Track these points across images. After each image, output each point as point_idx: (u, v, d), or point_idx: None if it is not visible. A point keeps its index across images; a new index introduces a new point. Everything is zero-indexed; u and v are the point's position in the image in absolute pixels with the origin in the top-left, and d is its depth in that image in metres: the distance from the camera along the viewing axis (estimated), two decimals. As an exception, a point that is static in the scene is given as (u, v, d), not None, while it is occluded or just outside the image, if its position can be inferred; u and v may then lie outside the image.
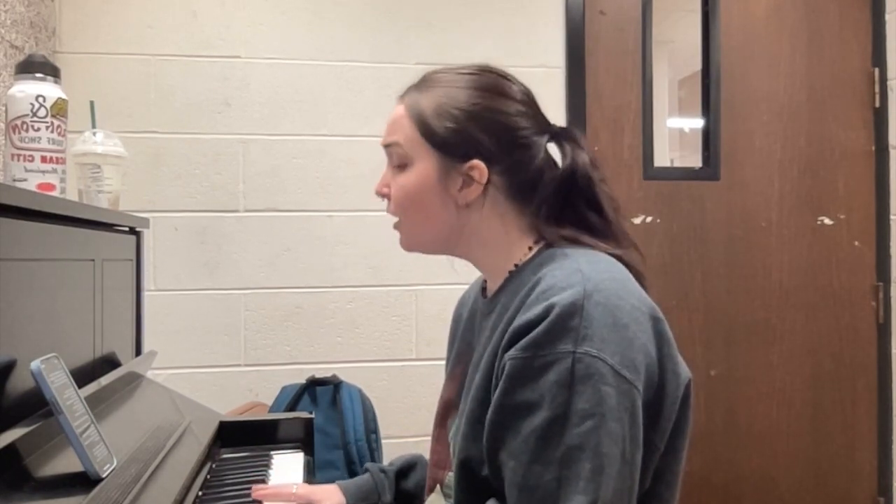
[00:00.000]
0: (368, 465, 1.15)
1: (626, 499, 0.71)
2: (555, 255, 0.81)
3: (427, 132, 0.83)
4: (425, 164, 0.84)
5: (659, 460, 0.77)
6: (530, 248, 0.85)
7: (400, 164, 0.86)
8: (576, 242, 0.83)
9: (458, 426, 0.85)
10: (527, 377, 0.71)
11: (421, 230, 0.88)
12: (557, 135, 0.87)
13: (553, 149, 0.88)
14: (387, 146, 0.88)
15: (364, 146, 2.07)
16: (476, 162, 0.82)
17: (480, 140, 0.82)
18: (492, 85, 0.85)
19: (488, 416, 0.74)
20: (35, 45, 1.76)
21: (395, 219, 0.90)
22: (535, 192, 0.84)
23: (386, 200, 0.89)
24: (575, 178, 0.84)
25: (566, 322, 0.70)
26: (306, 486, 1.09)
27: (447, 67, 0.88)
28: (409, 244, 0.90)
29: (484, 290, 0.94)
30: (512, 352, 0.72)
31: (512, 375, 0.72)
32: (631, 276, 0.80)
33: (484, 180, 0.83)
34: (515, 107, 0.85)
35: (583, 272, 0.74)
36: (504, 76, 0.87)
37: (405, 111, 0.86)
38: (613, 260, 0.81)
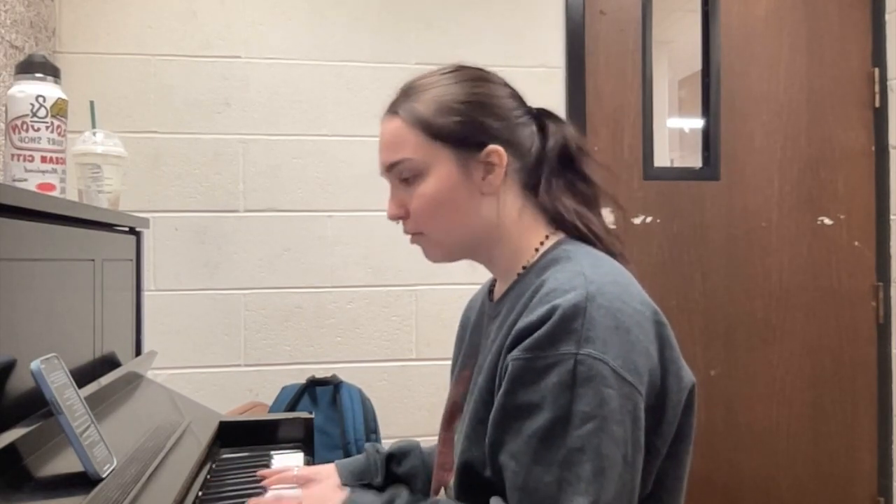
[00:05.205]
0: (366, 444, 1.13)
1: (626, 502, 0.70)
2: (559, 257, 0.81)
3: (436, 133, 0.82)
4: (443, 165, 0.83)
5: (661, 465, 0.76)
6: (536, 250, 0.85)
7: (414, 176, 0.84)
8: (581, 232, 0.84)
9: (461, 428, 0.85)
10: (529, 378, 0.71)
11: (453, 233, 0.85)
12: (539, 115, 0.90)
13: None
14: (393, 165, 0.85)
15: (364, 146, 2.07)
16: (493, 147, 0.83)
17: (490, 125, 0.83)
18: (478, 76, 0.87)
19: (491, 417, 0.74)
20: (35, 45, 1.76)
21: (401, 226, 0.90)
22: (539, 173, 0.86)
23: (401, 221, 0.87)
24: (568, 151, 0.87)
25: (568, 324, 0.70)
26: (306, 467, 1.11)
27: (423, 73, 0.88)
28: (440, 253, 0.88)
29: (491, 292, 0.94)
30: (514, 353, 0.73)
31: (514, 376, 0.72)
32: (634, 279, 0.80)
33: (504, 162, 0.83)
34: (505, 90, 0.87)
35: (586, 275, 0.74)
36: (481, 69, 0.89)
37: (403, 122, 0.84)
38: (616, 262, 0.81)
